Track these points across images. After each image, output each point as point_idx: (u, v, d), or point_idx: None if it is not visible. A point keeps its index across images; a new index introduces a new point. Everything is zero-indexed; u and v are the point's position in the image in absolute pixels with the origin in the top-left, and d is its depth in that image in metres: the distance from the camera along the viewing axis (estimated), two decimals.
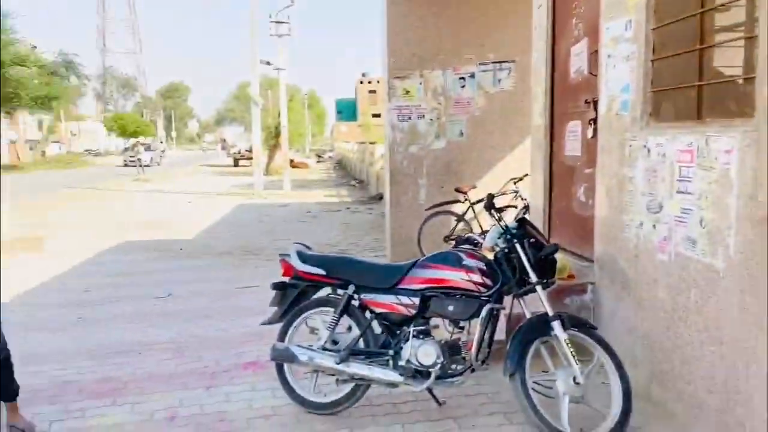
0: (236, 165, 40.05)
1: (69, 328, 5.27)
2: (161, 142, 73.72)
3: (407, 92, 7.57)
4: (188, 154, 70.74)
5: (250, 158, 35.78)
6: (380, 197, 16.64)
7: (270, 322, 3.57)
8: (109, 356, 4.54)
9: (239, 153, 42.24)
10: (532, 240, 3.12)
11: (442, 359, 3.12)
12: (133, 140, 58.20)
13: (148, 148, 43.18)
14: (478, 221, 7.33)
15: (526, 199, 7.09)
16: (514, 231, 3.14)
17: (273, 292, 3.57)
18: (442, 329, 3.28)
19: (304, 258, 3.48)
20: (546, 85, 4.82)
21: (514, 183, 7.40)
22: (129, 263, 8.28)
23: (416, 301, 3.20)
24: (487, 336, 3.12)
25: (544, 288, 3.10)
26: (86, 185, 23.40)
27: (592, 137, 4.06)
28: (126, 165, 39.14)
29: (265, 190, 19.68)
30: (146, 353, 4.62)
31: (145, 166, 32.61)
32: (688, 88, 3.04)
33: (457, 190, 7.24)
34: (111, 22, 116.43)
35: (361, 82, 74.37)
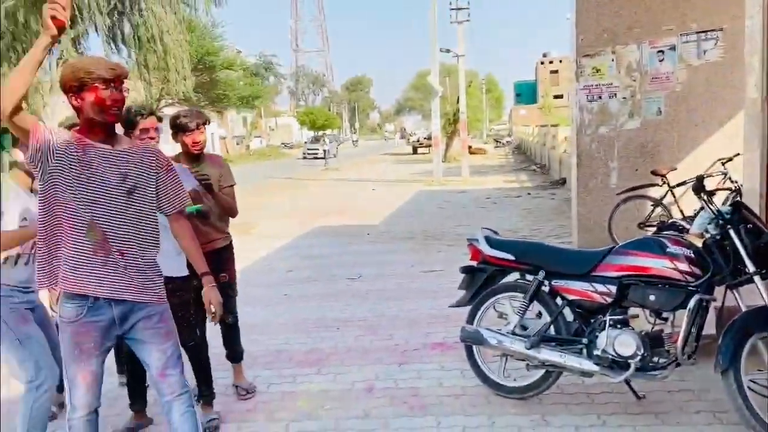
0: (415, 152, 41.14)
1: (276, 304, 5.89)
2: (351, 132, 78.18)
3: (597, 70, 7.17)
4: (370, 144, 74.15)
5: (429, 146, 36.51)
6: (563, 182, 16.01)
7: (459, 304, 3.67)
8: (312, 330, 5.00)
9: (418, 141, 43.29)
10: (749, 226, 2.82)
11: (642, 351, 2.97)
12: (312, 134, 62.45)
13: (331, 140, 46.01)
14: (678, 206, 6.76)
15: (736, 182, 6.38)
16: (728, 216, 2.87)
17: (457, 277, 3.67)
18: (642, 320, 3.11)
19: (492, 243, 3.52)
20: (763, 54, 4.26)
21: (723, 164, 6.70)
22: (322, 246, 8.97)
23: (613, 289, 3.07)
24: (694, 329, 2.90)
25: (763, 279, 2.79)
26: (283, 175, 25.70)
27: None
28: (304, 157, 41.76)
29: (444, 176, 19.97)
30: (344, 329, 5.00)
31: (320, 158, 34.87)
32: None
33: (654, 173, 6.73)
34: (303, 23, 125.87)
35: (542, 63, 71.82)
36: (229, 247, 3.63)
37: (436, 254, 7.95)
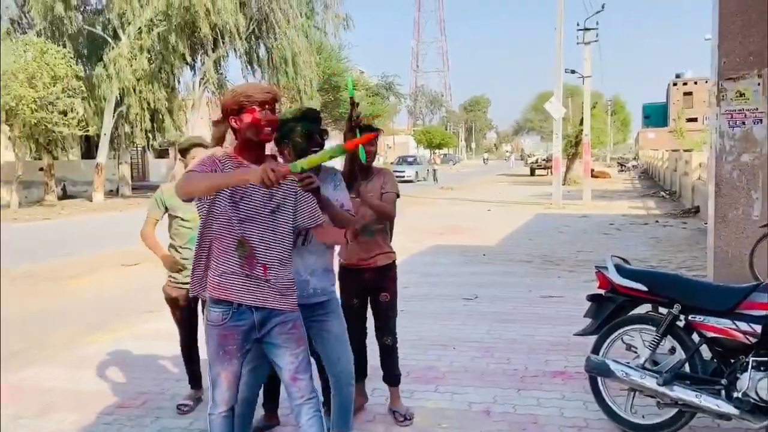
0: (533, 174, 40.24)
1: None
2: (467, 152, 77.78)
3: (741, 95, 6.73)
4: (490, 164, 73.48)
5: (548, 168, 35.54)
6: (696, 210, 15.00)
7: (585, 333, 3.58)
8: (429, 347, 5.07)
9: (536, 162, 42.32)
10: None
11: None
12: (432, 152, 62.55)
13: (421, 161, 41.13)
14: None
15: None
16: None
17: (577, 304, 3.60)
18: None
19: (622, 272, 3.41)
20: None
21: None
22: (437, 265, 9.04)
23: (758, 328, 2.88)
24: None
25: None
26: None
27: None
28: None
29: (564, 200, 19.36)
30: (459, 349, 5.02)
31: (408, 180, 32.95)
32: None
33: None
34: (424, 45, 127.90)
35: (674, 84, 67.80)
36: (392, 266, 3.66)
37: (555, 279, 7.75)
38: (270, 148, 2.80)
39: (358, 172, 3.44)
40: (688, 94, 63.15)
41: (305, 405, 2.56)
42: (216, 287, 2.49)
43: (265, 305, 2.50)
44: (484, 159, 78.45)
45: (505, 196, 23.02)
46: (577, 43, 21.77)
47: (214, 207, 2.47)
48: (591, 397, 3.58)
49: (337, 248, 3.32)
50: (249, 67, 27.70)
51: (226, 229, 2.46)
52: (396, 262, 3.72)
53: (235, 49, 26.54)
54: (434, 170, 35.87)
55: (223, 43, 25.37)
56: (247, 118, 2.43)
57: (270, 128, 2.47)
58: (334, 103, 37.16)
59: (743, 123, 6.75)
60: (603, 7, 20.75)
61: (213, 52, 26.25)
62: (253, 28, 26.16)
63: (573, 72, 21.81)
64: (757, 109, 6.68)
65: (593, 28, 21.46)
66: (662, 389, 3.09)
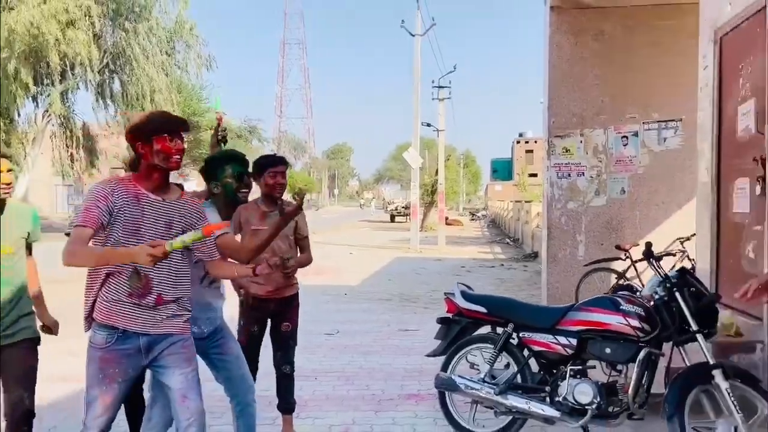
0: (392, 220, 41.71)
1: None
2: (330, 198, 78.58)
3: (567, 150, 7.77)
4: (348, 210, 74.93)
5: (407, 214, 37.12)
6: (535, 255, 16.53)
7: (434, 354, 3.95)
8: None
9: (396, 209, 43.98)
10: (692, 289, 3.22)
11: (599, 399, 3.28)
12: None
13: None
14: (639, 280, 7.19)
15: (693, 260, 6.86)
16: (675, 280, 3.26)
17: (431, 336, 3.98)
18: (599, 371, 3.43)
19: (466, 297, 3.85)
20: (712, 142, 4.82)
21: (681, 243, 7.21)
22: (301, 304, 9.15)
23: (573, 342, 3.41)
24: (645, 381, 3.23)
25: (705, 338, 3.16)
26: None
27: (760, 195, 4.02)
28: None
29: (421, 245, 20.40)
30: (321, 379, 5.20)
31: None
32: None
33: (618, 248, 7.20)
34: (288, 91, 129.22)
35: (518, 142, 74.30)
36: (295, 297, 3.82)
37: (412, 315, 8.23)
38: (176, 175, 2.87)
39: (265, 201, 3.58)
40: (529, 151, 69.44)
41: (192, 427, 2.53)
42: (102, 311, 2.46)
43: (152, 332, 2.49)
44: (360, 204, 79.28)
45: (367, 241, 23.72)
46: (433, 99, 23.43)
47: (109, 239, 2.44)
48: (441, 414, 3.93)
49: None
50: (101, 100, 26.35)
51: None
52: (299, 293, 3.88)
53: (86, 82, 25.18)
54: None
55: (74, 74, 24.01)
56: (157, 145, 2.46)
57: (179, 157, 2.51)
58: (194, 143, 36.21)
59: (569, 175, 7.78)
60: (455, 67, 22.63)
61: (60, 83, 24.66)
62: (107, 62, 25.06)
63: (429, 125, 23.36)
64: (579, 163, 7.75)
65: (446, 86, 23.26)
66: (498, 399, 3.52)
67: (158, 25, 25.52)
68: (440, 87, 23.26)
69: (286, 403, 3.84)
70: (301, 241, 3.74)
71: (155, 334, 2.50)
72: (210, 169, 3.01)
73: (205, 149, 37.18)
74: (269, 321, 3.79)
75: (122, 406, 3.40)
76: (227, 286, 3.31)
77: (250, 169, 3.25)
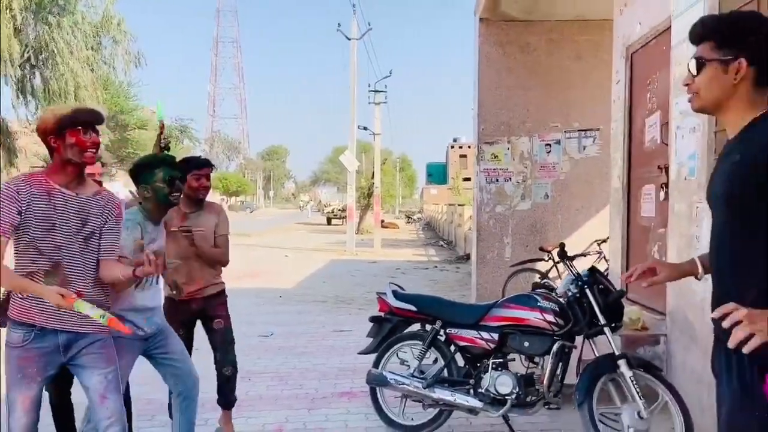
0: (329, 223, 41.70)
1: (192, 356, 6.03)
2: (265, 200, 77.63)
3: (495, 156, 8.13)
4: (284, 212, 74.27)
5: (343, 217, 37.23)
6: (467, 257, 17.00)
7: (366, 351, 4.11)
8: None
9: (332, 212, 43.99)
10: (601, 286, 3.51)
11: (517, 389, 3.52)
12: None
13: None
14: (561, 279, 7.60)
15: (609, 260, 7.33)
16: (585, 278, 3.55)
17: (365, 336, 4.13)
18: (519, 363, 3.68)
19: (397, 296, 4.03)
20: (623, 152, 5.22)
21: (598, 244, 7.66)
22: (233, 306, 9.10)
23: (495, 337, 3.64)
24: (559, 371, 3.50)
25: (612, 331, 3.46)
26: None
27: (663, 200, 4.40)
28: None
29: (357, 247, 20.55)
30: (255, 379, 5.25)
31: None
32: None
33: (542, 249, 7.58)
34: (221, 90, 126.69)
35: (452, 147, 75.79)
36: (221, 294, 3.78)
37: (347, 316, 8.35)
38: (94, 168, 2.82)
39: (187, 203, 3.57)
40: (463, 156, 70.94)
41: (113, 427, 2.53)
42: (18, 309, 2.43)
43: (71, 328, 2.46)
44: (300, 206, 78.08)
45: (303, 244, 23.64)
46: (369, 103, 23.67)
47: (23, 237, 2.41)
48: (372, 410, 4.08)
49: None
50: (21, 96, 25.12)
51: (36, 253, 2.42)
52: (225, 291, 3.84)
53: (5, 77, 23.94)
54: None
55: None
56: (70, 138, 2.40)
57: (94, 150, 2.46)
58: (122, 141, 35.04)
59: (497, 180, 8.14)
60: (391, 72, 22.97)
61: None
62: (29, 56, 23.93)
63: (365, 129, 23.58)
64: (507, 168, 8.13)
65: (382, 91, 23.57)
66: (426, 392, 3.71)
67: (84, 20, 24.57)
68: (376, 91, 23.55)
69: (227, 400, 3.85)
70: (217, 239, 3.69)
71: (74, 331, 2.47)
72: (140, 173, 3.00)
73: (133, 148, 36.04)
74: (198, 322, 3.78)
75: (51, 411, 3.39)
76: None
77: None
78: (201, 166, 3.62)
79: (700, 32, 1.80)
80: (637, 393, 3.26)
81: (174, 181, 2.99)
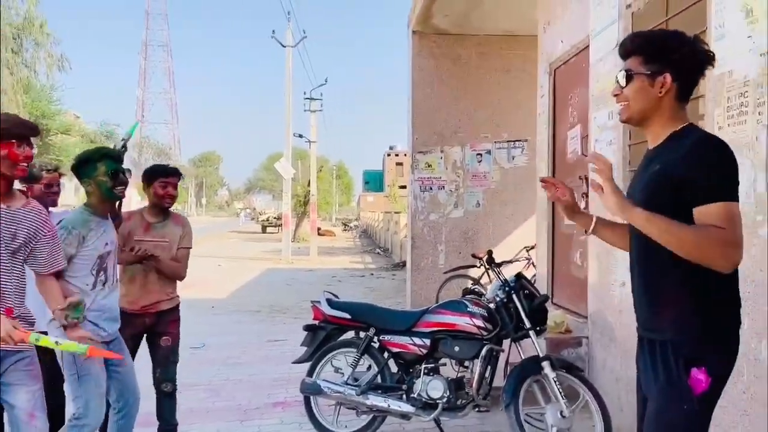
0: (264, 231, 41.11)
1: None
2: (197, 208, 75.59)
3: (429, 165, 8.31)
4: (217, 221, 72.63)
5: (279, 225, 36.81)
6: (404, 264, 17.17)
7: (300, 360, 4.11)
8: (154, 395, 5.08)
9: (267, 220, 43.40)
10: (526, 292, 3.67)
11: (448, 393, 3.62)
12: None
13: None
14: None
15: (537, 266, 7.63)
16: (512, 284, 3.70)
17: (299, 346, 4.14)
18: (450, 368, 3.79)
19: (332, 304, 4.06)
20: (548, 162, 5.47)
21: (527, 251, 7.95)
22: None
23: (427, 342, 3.74)
24: (487, 374, 3.63)
25: (537, 334, 3.62)
26: None
27: (584, 208, 4.64)
28: None
29: (293, 255, 20.39)
30: (186, 392, 5.12)
31: None
32: None
33: (474, 256, 7.68)
34: (151, 95, 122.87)
35: (389, 155, 76.41)
36: (174, 310, 3.65)
37: (282, 325, 8.29)
38: (20, 183, 2.74)
39: (151, 212, 3.51)
40: (399, 164, 71.65)
41: None
42: None
43: None
44: (237, 213, 76.02)
45: (237, 252, 23.23)
46: (305, 111, 23.58)
47: None
48: (306, 419, 4.09)
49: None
50: None
51: None
52: (179, 306, 3.72)
53: None
54: None
55: None
56: (2, 151, 2.34)
57: (26, 164, 2.41)
58: (43, 147, 33.37)
59: (431, 188, 8.31)
60: (326, 80, 22.97)
61: None
62: None
63: (301, 136, 23.45)
64: (440, 177, 8.31)
65: (318, 98, 23.53)
66: (360, 399, 3.76)
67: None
68: (312, 99, 23.49)
69: (168, 425, 3.69)
70: (178, 251, 3.60)
71: (2, 349, 2.38)
72: (81, 167, 2.92)
73: (56, 154, 34.37)
74: (144, 337, 3.64)
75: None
76: None
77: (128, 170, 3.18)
78: (168, 174, 3.52)
79: (629, 47, 1.95)
80: (560, 393, 3.43)
81: (117, 174, 2.93)
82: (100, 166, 2.89)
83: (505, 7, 7.20)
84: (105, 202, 2.98)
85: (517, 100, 8.20)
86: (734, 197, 1.76)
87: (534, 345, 3.58)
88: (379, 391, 3.80)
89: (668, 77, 1.86)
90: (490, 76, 8.29)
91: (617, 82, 1.96)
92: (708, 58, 1.89)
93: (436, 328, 3.73)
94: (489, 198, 8.26)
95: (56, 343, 2.38)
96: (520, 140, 8.26)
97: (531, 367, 3.54)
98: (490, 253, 3.89)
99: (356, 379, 3.92)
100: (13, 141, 2.35)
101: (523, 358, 3.65)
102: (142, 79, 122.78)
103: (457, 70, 8.28)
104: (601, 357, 4.25)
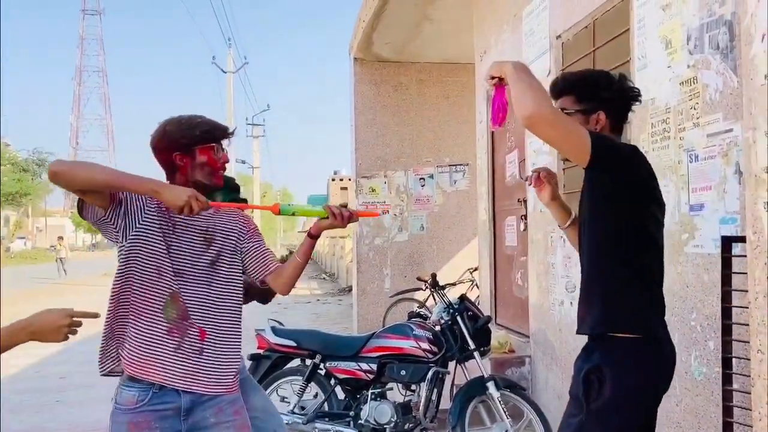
0: None
1: (47, 411, 5.57)
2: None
3: (373, 190, 8.37)
4: None
5: None
6: (350, 289, 17.10)
7: None
8: None
9: None
10: (470, 313, 3.74)
11: (396, 418, 3.62)
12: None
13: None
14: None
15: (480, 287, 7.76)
16: (456, 306, 3.76)
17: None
18: (397, 392, 3.79)
19: (276, 332, 4.01)
20: (488, 186, 5.62)
21: (471, 272, 8.08)
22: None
23: (374, 367, 3.73)
24: (434, 397, 3.65)
25: (481, 355, 3.68)
26: (52, 279, 23.34)
27: (524, 230, 4.79)
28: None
29: None
30: None
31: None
32: None
33: (419, 279, 7.78)
34: (86, 121, 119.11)
35: (333, 179, 76.45)
36: None
37: None
38: None
39: None
40: (344, 188, 71.75)
41: None
42: (134, 362, 1.94)
43: (195, 389, 1.97)
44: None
45: None
46: (247, 136, 23.42)
47: (142, 250, 1.95)
48: None
49: None
50: None
51: (149, 285, 1.96)
52: None
53: None
54: (60, 259, 24.98)
55: None
56: (201, 157, 2.02)
57: (224, 171, 2.10)
58: None
59: None
60: (269, 106, 22.95)
61: None
62: None
63: (243, 162, 23.22)
64: (384, 201, 8.39)
65: (260, 124, 23.44)
66: (306, 427, 3.71)
67: None
68: (254, 125, 23.36)
69: None
70: None
71: (199, 392, 1.97)
72: None
73: None
74: None
75: None
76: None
77: None
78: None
79: (561, 87, 2.06)
80: (505, 413, 3.48)
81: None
82: (217, 195, 2.50)
83: (443, 37, 7.42)
84: None
85: (457, 124, 8.41)
86: (594, 137, 1.80)
87: (479, 366, 3.63)
88: (327, 419, 3.76)
89: (602, 115, 1.98)
90: (431, 102, 8.48)
91: None
92: (634, 95, 2.04)
93: (382, 353, 3.74)
94: (432, 221, 8.39)
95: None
96: (461, 164, 8.45)
97: (476, 387, 3.58)
98: (434, 276, 3.95)
99: (303, 408, 3.87)
100: (213, 145, 2.05)
101: (468, 379, 3.70)
102: (76, 105, 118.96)
103: (398, 97, 8.43)
104: (543, 375, 4.35)
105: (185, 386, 1.95)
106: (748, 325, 2.25)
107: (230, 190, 2.63)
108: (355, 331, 8.22)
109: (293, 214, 2.15)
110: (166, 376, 1.94)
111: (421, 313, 4.12)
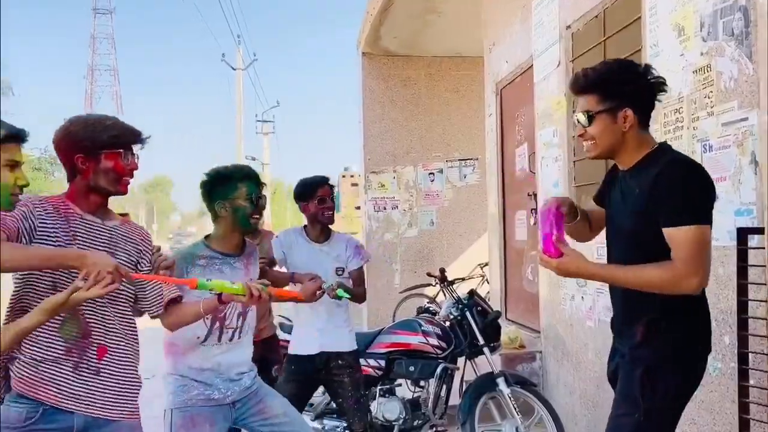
0: None
1: None
2: None
3: (382, 185, 8.32)
4: (166, 246, 70.87)
5: None
6: None
7: None
8: None
9: None
10: (479, 308, 3.69)
11: (404, 414, 3.58)
12: None
13: None
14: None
15: (490, 282, 7.70)
16: (465, 301, 3.71)
17: None
18: (405, 388, 3.75)
19: (284, 329, 3.98)
20: (498, 179, 5.56)
21: (481, 267, 8.02)
22: None
23: (382, 363, 3.70)
24: (443, 393, 3.61)
25: (491, 350, 3.63)
26: None
27: (534, 224, 4.72)
28: None
29: None
30: None
31: None
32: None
33: (429, 275, 7.73)
34: None
35: (344, 176, 76.52)
36: (275, 336, 3.59)
37: None
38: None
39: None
40: (354, 185, 71.71)
41: None
42: (24, 378, 1.82)
43: (90, 412, 1.87)
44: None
45: None
46: (257, 133, 23.44)
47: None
48: None
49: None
50: None
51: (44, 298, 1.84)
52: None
53: None
54: None
55: None
56: (107, 162, 1.91)
57: (131, 179, 2.00)
58: None
59: (385, 208, 8.32)
60: (278, 102, 22.95)
61: None
62: None
63: (254, 159, 23.25)
64: (394, 197, 8.34)
65: (270, 121, 23.45)
66: (314, 424, 3.68)
67: None
68: (264, 121, 23.38)
69: None
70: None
71: (93, 415, 1.88)
72: (217, 185, 2.43)
73: None
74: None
75: None
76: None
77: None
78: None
79: (583, 85, 1.93)
80: (515, 409, 3.43)
81: (258, 200, 2.45)
82: (241, 187, 2.40)
83: (451, 29, 7.34)
84: (235, 232, 2.47)
85: (466, 119, 8.33)
86: (700, 219, 1.76)
87: (488, 361, 3.58)
88: (335, 416, 3.73)
89: (629, 111, 1.88)
90: (440, 97, 8.40)
91: (579, 122, 1.97)
92: (660, 86, 1.93)
93: (390, 349, 3.70)
94: (442, 216, 8.32)
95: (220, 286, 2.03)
96: (471, 158, 8.37)
97: (486, 384, 3.54)
98: (442, 271, 3.90)
99: (311, 404, 3.84)
100: (120, 150, 1.94)
101: (478, 375, 3.65)
102: (88, 103, 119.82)
103: (407, 91, 8.36)
104: (555, 371, 4.30)
105: (81, 409, 1.86)
106: (764, 319, 2.19)
107: (255, 183, 2.47)
108: (365, 327, 8.18)
109: (211, 291, 2.08)
110: (60, 398, 1.84)
111: (431, 308, 4.07)
